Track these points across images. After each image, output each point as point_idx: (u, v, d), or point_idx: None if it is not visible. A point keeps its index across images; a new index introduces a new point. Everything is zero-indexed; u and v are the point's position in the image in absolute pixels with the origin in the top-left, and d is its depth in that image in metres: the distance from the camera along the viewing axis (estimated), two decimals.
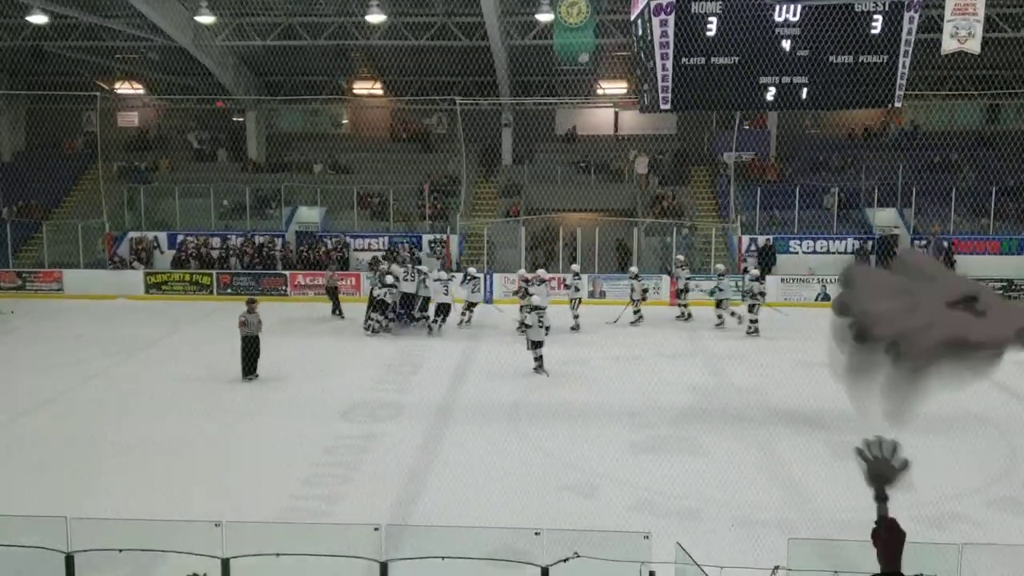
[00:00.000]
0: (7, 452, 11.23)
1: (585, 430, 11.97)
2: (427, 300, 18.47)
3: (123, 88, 30.21)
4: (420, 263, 20.25)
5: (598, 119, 29.54)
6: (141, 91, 30.27)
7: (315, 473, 10.36)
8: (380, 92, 29.57)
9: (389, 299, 18.05)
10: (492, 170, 28.45)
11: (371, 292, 18.59)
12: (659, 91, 10.24)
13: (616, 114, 29.69)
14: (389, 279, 18.14)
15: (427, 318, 18.24)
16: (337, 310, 20.30)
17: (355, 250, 24.87)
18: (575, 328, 18.44)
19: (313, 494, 9.72)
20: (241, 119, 30.19)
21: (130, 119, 31.47)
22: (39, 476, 10.30)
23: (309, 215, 26.33)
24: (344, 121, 31.35)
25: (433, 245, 24.60)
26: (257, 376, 14.47)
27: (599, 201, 25.53)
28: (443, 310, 18.09)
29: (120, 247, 25.17)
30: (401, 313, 18.13)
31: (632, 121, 29.17)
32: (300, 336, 18.24)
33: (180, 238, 25.22)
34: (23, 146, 30.38)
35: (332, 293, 20.37)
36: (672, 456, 10.92)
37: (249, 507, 8.93)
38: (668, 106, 10.31)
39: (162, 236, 25.49)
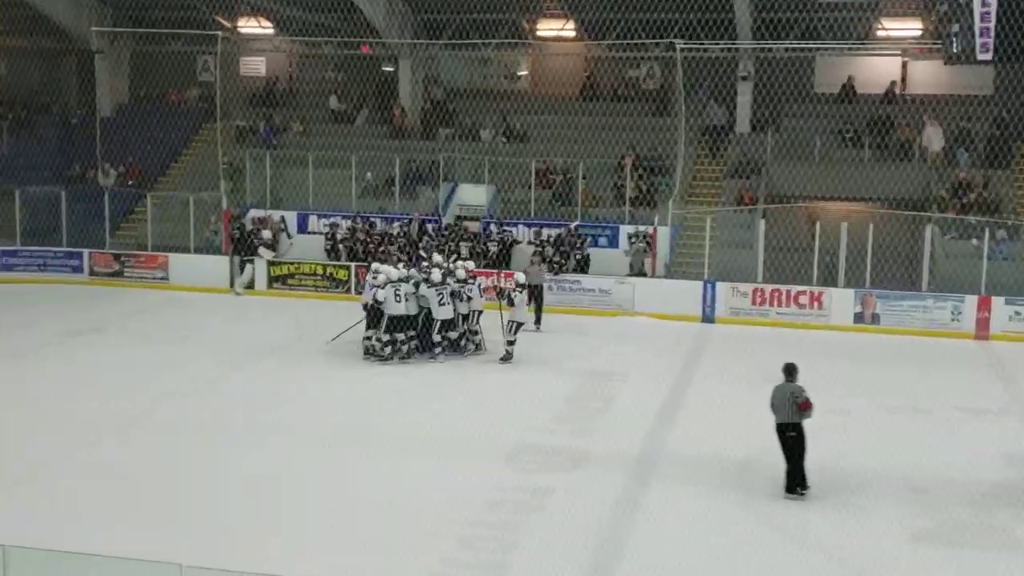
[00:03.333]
0: (93, 486, 12.03)
1: (847, 507, 11.73)
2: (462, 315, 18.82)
3: (248, 26, 31.55)
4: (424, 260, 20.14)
5: (877, 72, 28.57)
6: (270, 31, 31.52)
7: (473, 534, 10.66)
8: (572, 34, 29.89)
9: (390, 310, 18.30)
10: (721, 141, 28.22)
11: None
12: (976, 35, 9.82)
13: (904, 65, 28.59)
14: (381, 285, 18.23)
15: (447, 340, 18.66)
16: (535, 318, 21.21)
17: (516, 242, 25.35)
18: (505, 358, 18.53)
19: (471, 560, 10.04)
20: (392, 68, 31.42)
21: (255, 66, 33.18)
22: (144, 519, 11.05)
23: (473, 195, 26.92)
24: (522, 73, 31.84)
25: (634, 240, 24.61)
26: (807, 491, 12.16)
27: (875, 187, 24.59)
28: (445, 327, 18.51)
29: (238, 229, 26.33)
30: (411, 336, 18.50)
31: (929, 76, 28.01)
32: (462, 355, 18.90)
33: (319, 219, 26.36)
34: (126, 99, 32.63)
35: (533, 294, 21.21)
36: (974, 551, 10.64)
37: (392, 568, 9.32)
38: (988, 55, 9.87)
39: (290, 216, 26.78)
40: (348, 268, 24.86)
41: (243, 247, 25.58)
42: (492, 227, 25.61)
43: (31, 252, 26.47)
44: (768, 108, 28.00)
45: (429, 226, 25.78)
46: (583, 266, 24.44)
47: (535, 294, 21.27)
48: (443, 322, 18.37)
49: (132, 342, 19.91)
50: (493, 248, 25.14)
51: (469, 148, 28.16)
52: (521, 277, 19.52)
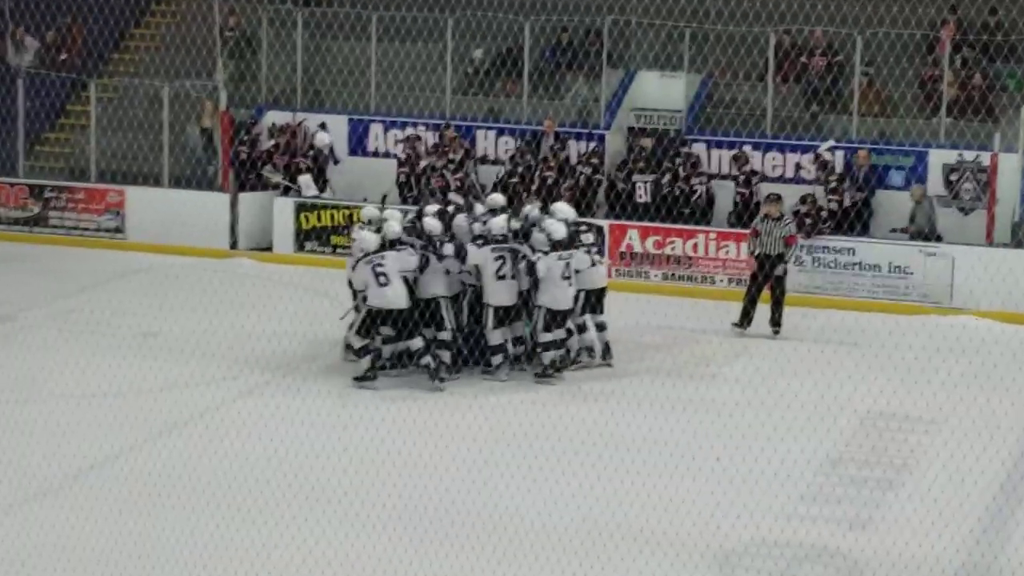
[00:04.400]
0: None
1: None
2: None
3: None
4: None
5: None
6: None
7: None
8: None
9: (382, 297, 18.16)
10: None
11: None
12: None
13: None
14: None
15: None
16: (776, 316, 21.60)
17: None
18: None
19: None
20: None
21: None
22: None
23: (662, 89, 27.00)
24: None
25: (958, 176, 24.31)
26: None
27: None
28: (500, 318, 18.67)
29: (246, 145, 26.75)
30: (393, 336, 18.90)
31: None
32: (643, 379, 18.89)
33: (387, 130, 26.89)
34: None
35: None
36: None
37: None
38: None
39: (336, 122, 27.07)
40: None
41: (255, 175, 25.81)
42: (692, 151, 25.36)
43: None
44: None
45: (579, 146, 25.56)
46: (851, 220, 24.04)
47: (769, 271, 20.97)
48: (500, 312, 18.56)
49: (58, 344, 19.84)
50: (699, 187, 24.76)
51: (655, 8, 27.69)
52: (560, 229, 18.88)
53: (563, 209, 19.67)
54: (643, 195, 24.72)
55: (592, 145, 25.94)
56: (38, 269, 24.01)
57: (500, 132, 26.32)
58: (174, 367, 18.89)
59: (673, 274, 23.53)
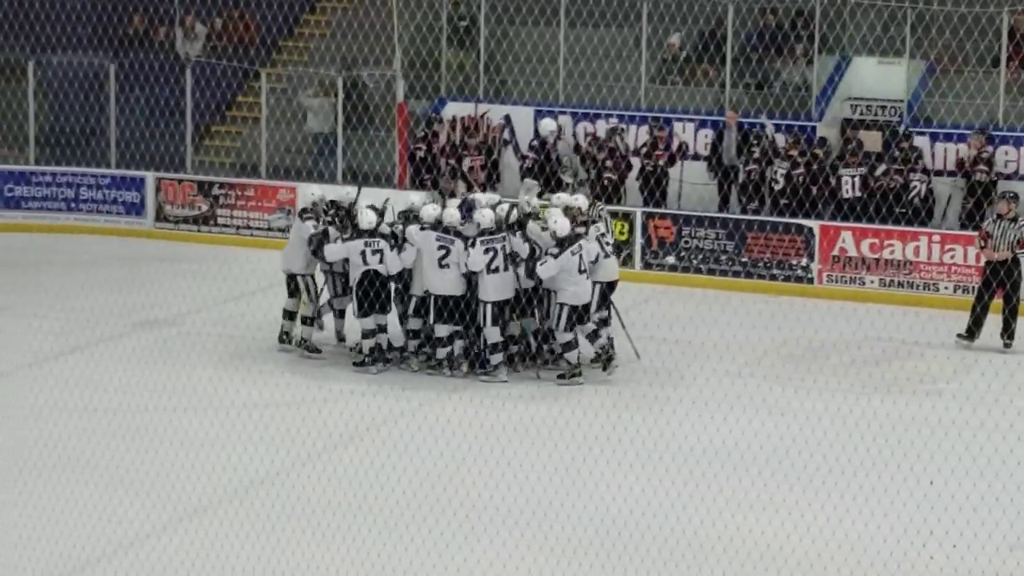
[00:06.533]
0: None
1: None
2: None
3: None
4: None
5: None
6: None
7: None
8: None
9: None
10: None
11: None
12: None
13: None
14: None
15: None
16: (975, 329, 20.76)
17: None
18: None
19: None
20: None
21: None
22: None
23: (881, 78, 26.57)
24: None
25: None
26: None
27: None
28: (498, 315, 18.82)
29: (424, 141, 26.52)
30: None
31: None
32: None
33: (577, 122, 26.65)
34: None
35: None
36: None
37: None
38: None
39: (522, 115, 27.05)
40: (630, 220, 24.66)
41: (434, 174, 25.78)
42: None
43: (53, 176, 27.57)
44: None
45: (782, 138, 25.34)
46: None
47: (1001, 278, 20.62)
48: (495, 308, 18.74)
49: (222, 351, 20.25)
50: (918, 184, 24.26)
51: None
52: (564, 224, 18.84)
53: (564, 199, 19.85)
54: (850, 190, 24.30)
55: (800, 134, 25.46)
56: (204, 271, 24.12)
57: (700, 124, 26.07)
58: (343, 378, 19.15)
59: (892, 280, 23.16)
